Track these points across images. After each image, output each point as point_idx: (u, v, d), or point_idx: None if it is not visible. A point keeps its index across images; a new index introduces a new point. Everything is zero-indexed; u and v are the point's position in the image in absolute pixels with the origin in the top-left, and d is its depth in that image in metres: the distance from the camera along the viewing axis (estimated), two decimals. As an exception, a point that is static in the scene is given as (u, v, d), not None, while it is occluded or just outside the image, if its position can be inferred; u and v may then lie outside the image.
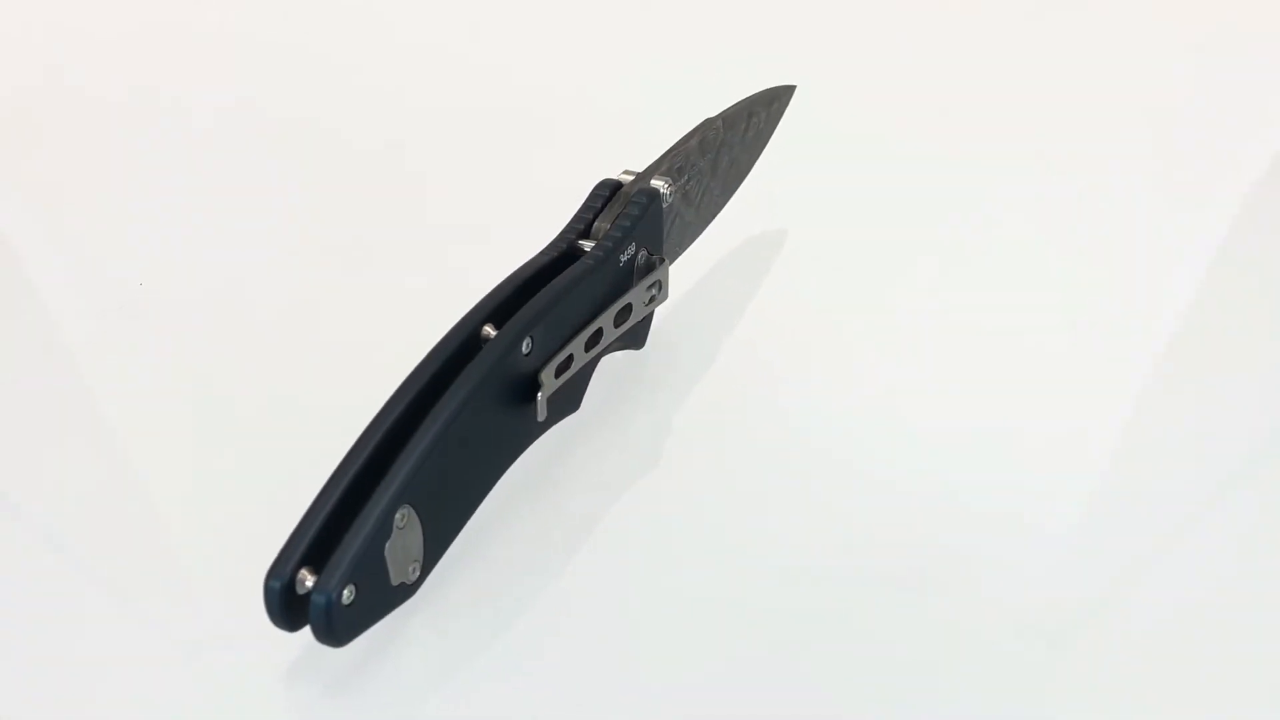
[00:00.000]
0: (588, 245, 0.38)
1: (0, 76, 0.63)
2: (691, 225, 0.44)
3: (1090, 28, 0.67)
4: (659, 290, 0.40)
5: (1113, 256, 0.49)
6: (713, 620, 0.34)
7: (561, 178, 0.43)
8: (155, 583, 0.35)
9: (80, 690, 0.32)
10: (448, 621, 0.34)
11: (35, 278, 0.48)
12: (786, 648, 0.33)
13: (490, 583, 0.35)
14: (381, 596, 0.31)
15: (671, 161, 0.41)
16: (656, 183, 0.40)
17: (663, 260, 0.40)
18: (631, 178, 0.40)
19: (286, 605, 0.30)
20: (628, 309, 0.39)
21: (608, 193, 0.39)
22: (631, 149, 0.42)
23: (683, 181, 0.42)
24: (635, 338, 0.41)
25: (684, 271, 0.44)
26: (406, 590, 0.32)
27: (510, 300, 0.35)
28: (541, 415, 0.36)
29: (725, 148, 0.44)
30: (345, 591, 0.29)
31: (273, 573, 0.30)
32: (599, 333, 0.38)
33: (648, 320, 0.41)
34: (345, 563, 0.29)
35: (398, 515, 0.31)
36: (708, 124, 0.43)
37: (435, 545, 0.33)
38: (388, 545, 0.31)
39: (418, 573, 0.32)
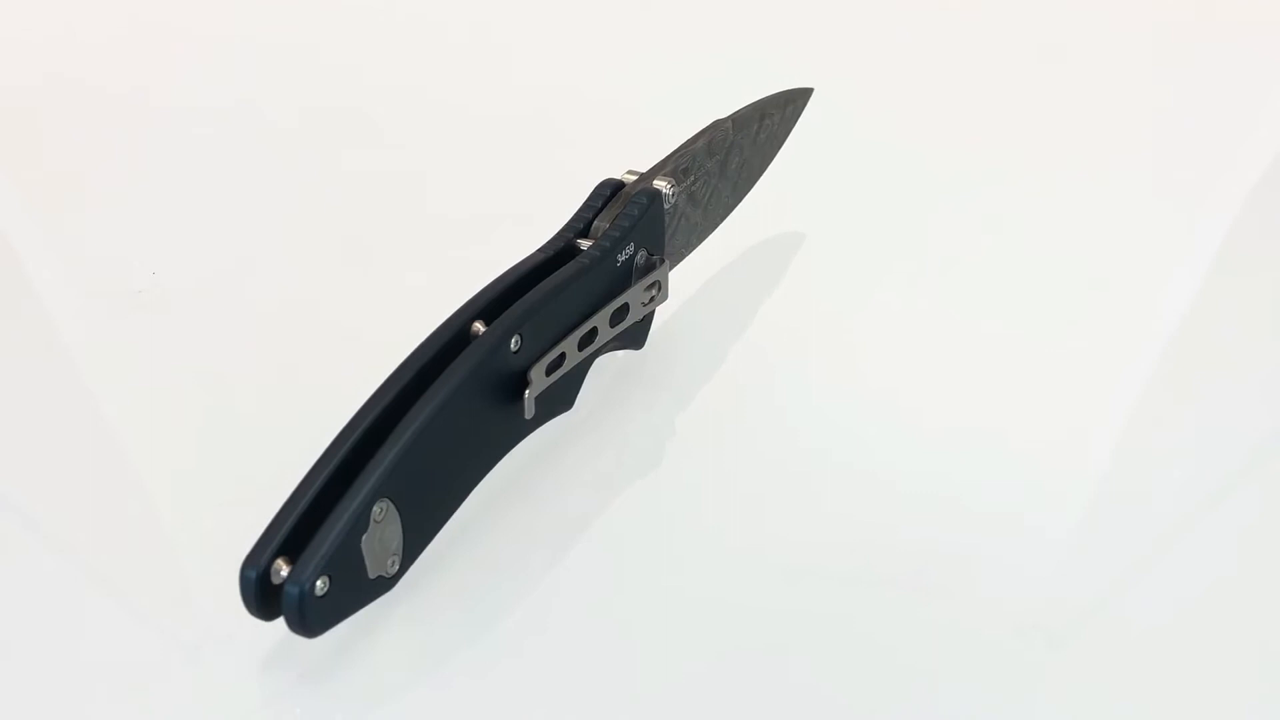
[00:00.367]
0: (585, 244, 0.37)
1: (1, 76, 0.64)
2: (699, 227, 0.44)
3: (1093, 28, 0.67)
4: (658, 291, 0.40)
5: (1116, 259, 0.48)
6: (706, 619, 0.34)
7: (571, 177, 0.42)
8: (137, 571, 0.36)
9: (51, 674, 0.32)
10: (430, 615, 0.33)
11: (34, 276, 0.49)
12: (785, 648, 0.33)
13: (477, 578, 0.35)
14: (358, 588, 0.31)
15: (677, 162, 0.41)
16: (659, 183, 0.39)
17: (663, 261, 0.40)
18: (635, 178, 0.40)
19: (262, 594, 0.30)
20: (624, 309, 0.39)
21: (609, 192, 0.39)
22: (645, 149, 0.42)
23: (688, 183, 0.41)
24: (634, 338, 0.41)
25: (688, 272, 0.44)
26: (385, 583, 0.32)
27: (502, 297, 0.35)
28: (530, 413, 0.36)
29: (735, 149, 0.44)
30: (319, 583, 0.30)
31: (249, 562, 0.30)
32: (593, 332, 0.37)
33: (647, 320, 0.41)
34: (319, 554, 0.30)
35: (375, 508, 0.31)
36: (717, 125, 0.43)
37: (416, 539, 0.33)
38: (364, 537, 0.31)
39: (397, 566, 0.32)
